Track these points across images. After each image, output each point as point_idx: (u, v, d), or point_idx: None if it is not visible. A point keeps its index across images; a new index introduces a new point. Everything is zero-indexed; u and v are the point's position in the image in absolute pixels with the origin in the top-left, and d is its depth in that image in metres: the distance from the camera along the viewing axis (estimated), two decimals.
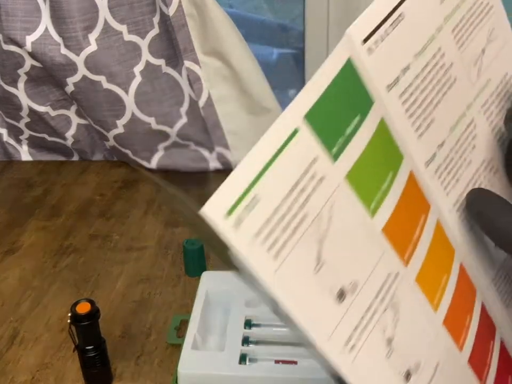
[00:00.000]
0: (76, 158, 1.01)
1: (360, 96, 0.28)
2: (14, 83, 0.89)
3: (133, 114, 0.89)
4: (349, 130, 0.28)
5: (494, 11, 0.36)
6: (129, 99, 0.88)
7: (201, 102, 0.90)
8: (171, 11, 0.83)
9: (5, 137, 0.99)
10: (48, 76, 0.88)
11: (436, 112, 0.32)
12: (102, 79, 0.86)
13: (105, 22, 0.83)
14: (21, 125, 0.95)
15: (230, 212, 0.23)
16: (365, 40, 0.28)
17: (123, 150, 0.94)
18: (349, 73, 0.28)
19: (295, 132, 0.25)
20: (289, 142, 0.25)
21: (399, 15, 0.30)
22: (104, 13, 0.82)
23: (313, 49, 0.98)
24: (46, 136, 0.96)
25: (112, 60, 0.85)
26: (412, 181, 0.31)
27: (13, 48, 0.84)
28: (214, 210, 0.23)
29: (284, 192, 0.25)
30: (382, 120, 0.29)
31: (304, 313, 0.26)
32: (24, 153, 1.01)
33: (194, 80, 0.89)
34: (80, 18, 0.81)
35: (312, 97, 0.26)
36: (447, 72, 0.33)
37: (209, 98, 0.90)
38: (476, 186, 0.34)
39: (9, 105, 0.92)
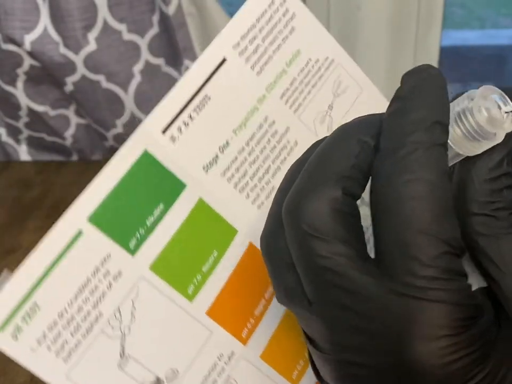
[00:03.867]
0: (75, 158, 1.00)
1: (165, 184, 0.28)
2: (12, 82, 0.88)
3: (132, 113, 0.89)
4: (150, 221, 0.28)
5: (337, 64, 0.35)
6: (128, 98, 0.88)
7: None
8: (171, 10, 0.83)
9: (4, 137, 0.99)
10: (47, 75, 0.87)
11: (276, 180, 0.31)
12: (101, 78, 0.85)
13: (105, 21, 0.83)
14: (20, 124, 0.95)
15: (6, 322, 0.23)
16: (165, 130, 0.28)
17: None
18: (145, 165, 0.28)
19: (79, 234, 0.26)
20: (73, 245, 0.26)
21: (204, 97, 0.29)
22: (103, 12, 0.82)
23: None
24: (45, 135, 0.96)
25: (111, 59, 0.85)
26: (254, 253, 0.31)
27: (11, 47, 0.84)
28: None
29: (69, 296, 0.25)
30: (200, 200, 0.29)
31: None
32: (23, 153, 1.00)
33: None
34: (79, 18, 0.81)
35: (97, 198, 0.28)
36: (282, 138, 0.32)
37: None
38: None
39: (8, 105, 0.92)
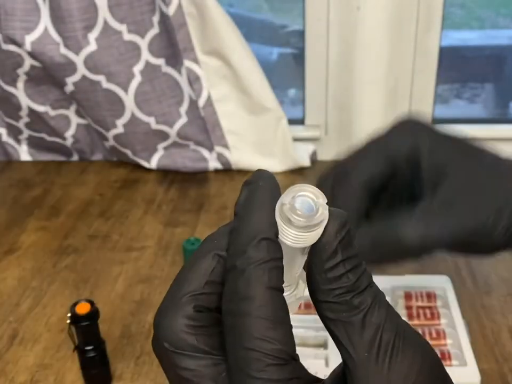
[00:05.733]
0: (75, 158, 1.00)
1: None
2: (13, 83, 0.89)
3: (132, 114, 0.89)
4: None
5: None
6: (128, 99, 0.88)
7: (201, 102, 0.90)
8: (171, 10, 0.83)
9: (4, 137, 0.99)
10: (48, 75, 0.87)
11: None
12: (101, 78, 0.86)
13: (105, 21, 0.83)
14: (20, 124, 0.95)
15: None
16: None
17: (123, 150, 0.94)
18: None
19: None
20: None
21: None
22: (103, 13, 0.82)
23: (313, 49, 0.98)
24: (45, 136, 0.96)
25: (111, 60, 0.85)
26: None
27: (12, 47, 0.84)
28: None
29: None
30: None
31: None
32: (24, 153, 1.01)
33: (194, 80, 0.89)
34: (80, 18, 0.81)
35: None
36: None
37: (209, 98, 0.90)
38: None
39: (9, 105, 0.92)
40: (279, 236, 0.24)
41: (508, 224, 0.37)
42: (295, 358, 0.23)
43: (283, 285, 0.24)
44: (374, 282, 0.25)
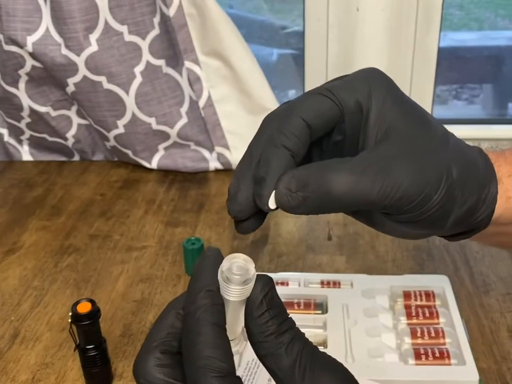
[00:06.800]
0: (76, 158, 1.01)
1: None
2: (14, 83, 0.89)
3: (133, 114, 0.90)
4: None
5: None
6: (129, 99, 0.88)
7: (201, 102, 0.90)
8: (171, 11, 0.84)
9: (6, 138, 1.00)
10: (49, 76, 0.88)
11: None
12: (102, 79, 0.86)
13: (106, 22, 0.83)
14: (22, 125, 0.96)
15: None
16: None
17: (123, 150, 0.94)
18: None
19: None
20: None
21: None
22: (104, 14, 0.83)
23: (313, 49, 0.98)
24: (46, 136, 0.97)
25: (112, 60, 0.85)
26: None
27: (13, 48, 0.84)
28: None
29: None
30: None
31: None
32: (25, 153, 1.01)
33: (194, 80, 0.89)
34: (81, 19, 0.82)
35: None
36: None
37: (209, 98, 0.90)
38: None
39: (10, 106, 0.93)
40: (223, 294, 0.32)
41: (443, 198, 0.36)
42: (234, 374, 0.30)
43: (229, 339, 0.31)
44: (295, 327, 0.32)
